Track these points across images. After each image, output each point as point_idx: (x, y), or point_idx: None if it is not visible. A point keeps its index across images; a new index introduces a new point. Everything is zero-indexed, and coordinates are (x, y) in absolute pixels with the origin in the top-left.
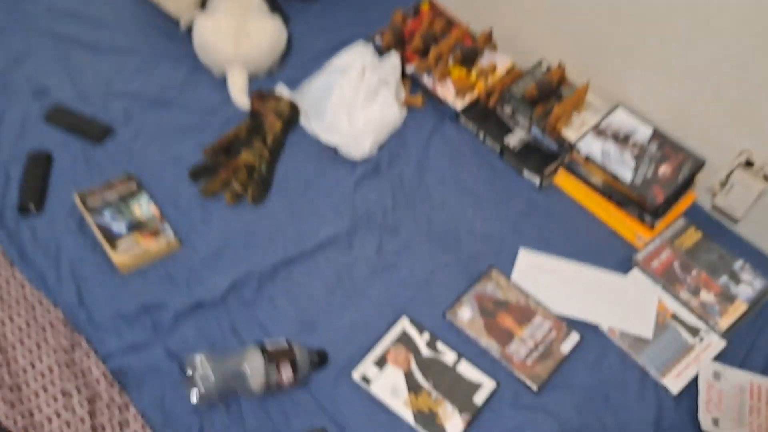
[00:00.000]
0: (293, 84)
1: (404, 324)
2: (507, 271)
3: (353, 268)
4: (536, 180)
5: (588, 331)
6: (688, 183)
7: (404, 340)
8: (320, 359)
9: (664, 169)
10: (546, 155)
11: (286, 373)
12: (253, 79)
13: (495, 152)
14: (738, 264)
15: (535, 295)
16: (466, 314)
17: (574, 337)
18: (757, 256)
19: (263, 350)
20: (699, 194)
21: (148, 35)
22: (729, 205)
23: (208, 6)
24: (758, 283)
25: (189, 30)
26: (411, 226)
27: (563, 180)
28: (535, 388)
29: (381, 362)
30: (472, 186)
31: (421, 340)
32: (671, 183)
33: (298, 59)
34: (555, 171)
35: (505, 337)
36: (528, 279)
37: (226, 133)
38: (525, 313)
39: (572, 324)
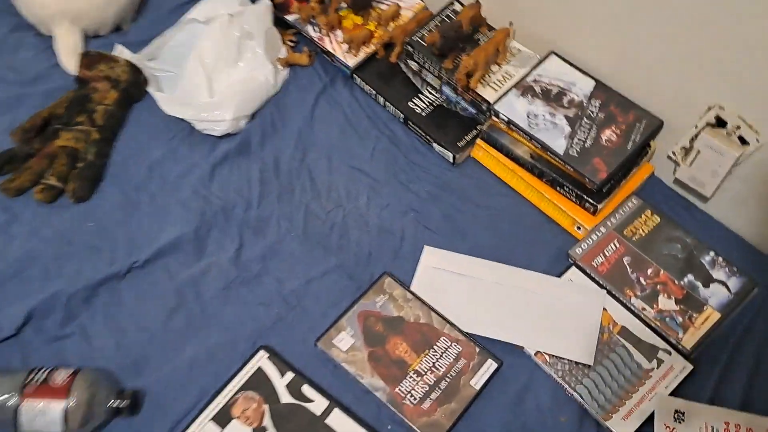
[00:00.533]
0: (146, 43)
1: (261, 360)
2: (407, 278)
3: (201, 283)
4: (449, 154)
5: (509, 355)
6: (642, 151)
7: (258, 383)
8: (124, 404)
9: (610, 135)
10: (462, 122)
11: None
12: (92, 39)
13: (398, 120)
14: (708, 257)
15: (441, 309)
16: (345, 342)
17: (489, 366)
18: (733, 245)
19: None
20: (657, 165)
21: None
22: (696, 179)
23: None
24: (734, 283)
25: None
26: (283, 222)
27: (482, 154)
28: None
29: (223, 417)
30: (366, 165)
31: (280, 383)
32: (619, 152)
33: (156, 12)
34: (472, 142)
35: (396, 372)
36: (433, 288)
37: (41, 109)
38: (425, 336)
39: (488, 347)
